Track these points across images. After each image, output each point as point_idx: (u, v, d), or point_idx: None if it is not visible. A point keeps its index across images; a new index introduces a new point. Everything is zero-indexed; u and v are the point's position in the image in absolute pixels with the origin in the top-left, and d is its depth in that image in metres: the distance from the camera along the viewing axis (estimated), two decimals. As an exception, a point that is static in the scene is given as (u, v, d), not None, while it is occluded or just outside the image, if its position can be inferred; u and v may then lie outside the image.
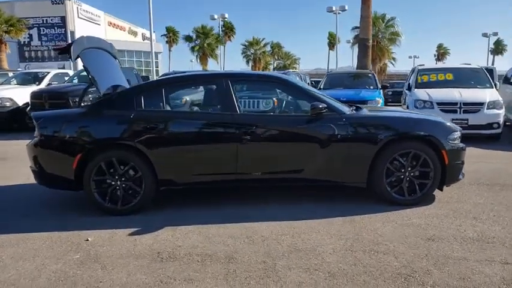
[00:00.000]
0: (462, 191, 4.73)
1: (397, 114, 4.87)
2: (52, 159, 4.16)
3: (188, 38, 40.00)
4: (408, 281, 2.75)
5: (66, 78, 13.34)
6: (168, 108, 4.26)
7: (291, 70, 18.60)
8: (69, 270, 3.00)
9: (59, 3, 37.92)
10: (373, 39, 39.64)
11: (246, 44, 48.99)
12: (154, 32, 44.80)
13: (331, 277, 2.81)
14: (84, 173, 4.07)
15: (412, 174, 4.24)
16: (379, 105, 9.53)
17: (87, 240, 3.54)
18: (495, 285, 2.67)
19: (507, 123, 9.69)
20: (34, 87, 11.90)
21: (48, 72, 13.71)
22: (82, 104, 4.38)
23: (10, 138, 9.80)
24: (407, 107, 9.29)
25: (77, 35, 27.25)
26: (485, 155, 6.99)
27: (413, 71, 10.99)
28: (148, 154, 4.05)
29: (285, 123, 4.23)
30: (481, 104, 8.21)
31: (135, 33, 50.18)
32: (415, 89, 9.32)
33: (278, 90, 5.56)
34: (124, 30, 49.90)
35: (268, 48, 50.04)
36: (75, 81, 12.70)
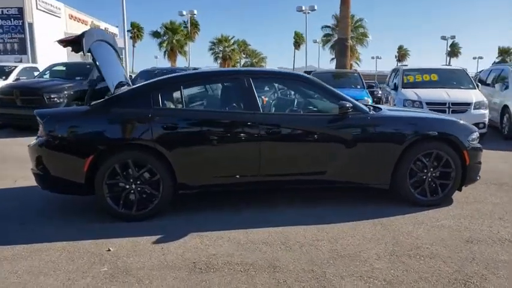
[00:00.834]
0: (475, 191, 4.76)
1: (419, 114, 4.84)
2: (60, 161, 3.79)
3: (156, 34, 38.99)
4: (468, 287, 2.67)
5: (36, 73, 12.53)
6: (187, 106, 3.98)
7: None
8: (101, 285, 2.71)
9: (15, -7, 35.81)
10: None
11: (215, 41, 48.45)
12: (117, 26, 43.28)
13: (388, 285, 2.69)
14: (95, 176, 3.74)
15: (434, 174, 4.22)
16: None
17: (109, 250, 3.24)
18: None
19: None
20: (1, 83, 11.09)
21: (16, 67, 12.83)
22: (90, 103, 4.00)
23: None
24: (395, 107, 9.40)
25: (36, 27, 25.70)
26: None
27: (395, 71, 11.16)
28: (167, 155, 3.78)
29: (309, 122, 4.08)
30: (469, 104, 8.42)
31: (97, 28, 48.32)
32: (403, 89, 9.44)
33: (278, 87, 5.44)
34: (86, 24, 47.81)
35: (235, 46, 49.72)
36: (47, 76, 11.95)
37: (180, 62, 47.41)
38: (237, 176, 3.96)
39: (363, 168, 4.11)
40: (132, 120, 3.81)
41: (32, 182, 4.40)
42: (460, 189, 4.37)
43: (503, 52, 56.29)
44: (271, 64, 60.93)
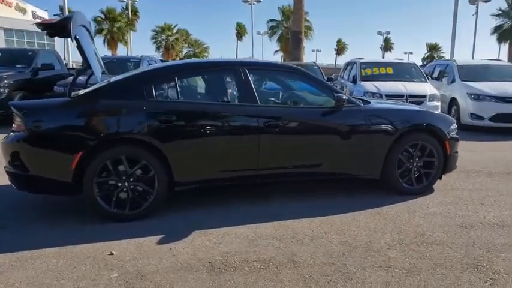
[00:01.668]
0: (449, 179, 5.01)
1: (406, 106, 5.01)
2: (43, 158, 3.42)
3: (97, 21, 36.67)
4: (480, 270, 2.81)
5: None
6: (182, 98, 3.77)
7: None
8: (119, 293, 2.49)
9: None
10: (287, 32, 41.22)
11: (157, 29, 46.79)
12: (46, 10, 40.16)
13: (409, 273, 2.76)
14: (84, 173, 3.44)
15: (419, 164, 4.40)
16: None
17: (112, 254, 3.00)
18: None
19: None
20: None
21: None
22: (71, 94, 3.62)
23: None
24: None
25: None
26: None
27: (350, 64, 11.51)
28: (164, 150, 3.56)
29: (306, 115, 4.05)
30: (424, 96, 8.92)
31: (23, 10, 44.33)
32: (361, 82, 9.77)
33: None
34: (10, 6, 43.78)
35: (178, 35, 48.41)
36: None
37: (121, 51, 45.23)
38: (236, 170, 3.84)
39: (357, 159, 4.18)
40: (125, 113, 3.53)
41: (2, 180, 3.96)
42: (440, 178, 4.61)
43: (431, 48, 60.40)
44: (215, 55, 60.12)
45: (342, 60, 71.34)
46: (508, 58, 32.08)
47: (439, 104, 9.03)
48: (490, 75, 10.15)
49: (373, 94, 9.07)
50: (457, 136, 4.64)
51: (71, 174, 3.41)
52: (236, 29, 63.33)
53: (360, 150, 4.16)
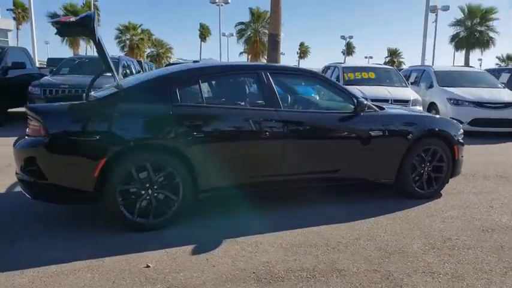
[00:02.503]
0: (451, 182, 5.17)
1: (418, 112, 5.10)
2: (64, 166, 3.18)
3: (55, 16, 34.93)
4: (519, 273, 2.90)
5: None
6: (207, 102, 3.63)
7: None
8: (173, 310, 2.35)
9: None
10: (255, 35, 41.26)
11: (121, 28, 45.38)
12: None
13: (454, 279, 2.79)
14: (106, 181, 3.23)
15: (429, 169, 4.50)
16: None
17: (148, 266, 2.83)
18: None
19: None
20: None
21: None
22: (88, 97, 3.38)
23: None
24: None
25: None
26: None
27: (330, 68, 11.67)
28: (190, 156, 3.42)
29: (329, 120, 4.03)
30: (407, 101, 9.18)
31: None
32: (345, 86, 9.88)
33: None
34: None
35: (142, 35, 47.21)
36: None
37: (83, 50, 43.50)
38: (260, 176, 3.76)
39: (375, 164, 4.21)
40: (152, 118, 3.36)
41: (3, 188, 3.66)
42: (447, 182, 4.73)
43: (391, 53, 62.66)
44: (178, 55, 58.98)
45: (305, 64, 72.47)
46: (464, 64, 33.85)
47: (421, 108, 9.33)
48: (464, 81, 10.64)
49: (358, 98, 9.22)
50: (462, 141, 4.79)
51: (93, 183, 3.19)
52: (200, 30, 62.76)
53: (377, 155, 4.19)
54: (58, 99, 4.00)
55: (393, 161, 4.27)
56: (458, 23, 36.13)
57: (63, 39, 36.78)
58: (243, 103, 3.97)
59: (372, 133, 4.13)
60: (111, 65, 3.57)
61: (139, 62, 14.85)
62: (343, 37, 55.87)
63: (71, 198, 3.31)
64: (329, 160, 4.03)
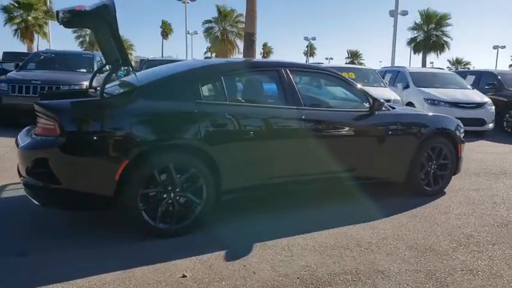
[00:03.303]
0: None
1: (426, 112, 5.15)
2: (82, 169, 2.91)
3: (7, 9, 32.63)
4: (549, 268, 2.97)
5: None
6: (230, 100, 3.46)
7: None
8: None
9: None
10: (223, 33, 40.88)
11: (79, 24, 43.29)
12: None
13: (495, 277, 2.81)
14: (127, 185, 2.99)
15: (435, 166, 4.57)
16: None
17: (184, 276, 2.65)
18: None
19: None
20: None
21: None
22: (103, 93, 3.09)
23: None
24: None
25: None
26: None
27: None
28: (214, 157, 3.25)
29: (348, 119, 3.97)
30: (389, 101, 9.35)
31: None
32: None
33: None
34: None
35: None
36: None
37: (40, 44, 41.10)
38: (282, 176, 3.65)
39: (387, 163, 4.22)
40: (175, 116, 3.16)
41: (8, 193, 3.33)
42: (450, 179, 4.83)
43: (352, 55, 64.27)
44: (142, 53, 57.28)
45: (269, 64, 72.48)
46: (422, 66, 35.31)
47: (401, 108, 9.56)
48: (437, 82, 11.03)
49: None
50: (463, 139, 4.91)
51: (113, 187, 2.94)
52: (161, 27, 61.39)
53: (390, 154, 4.20)
54: (54, 95, 3.66)
55: (404, 160, 4.29)
56: (416, 27, 37.64)
57: (16, 31, 34.52)
58: (265, 101, 3.84)
59: (386, 132, 4.13)
60: (128, 58, 3.31)
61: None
62: (306, 38, 56.59)
63: (87, 204, 3.04)
64: (347, 159, 3.98)
